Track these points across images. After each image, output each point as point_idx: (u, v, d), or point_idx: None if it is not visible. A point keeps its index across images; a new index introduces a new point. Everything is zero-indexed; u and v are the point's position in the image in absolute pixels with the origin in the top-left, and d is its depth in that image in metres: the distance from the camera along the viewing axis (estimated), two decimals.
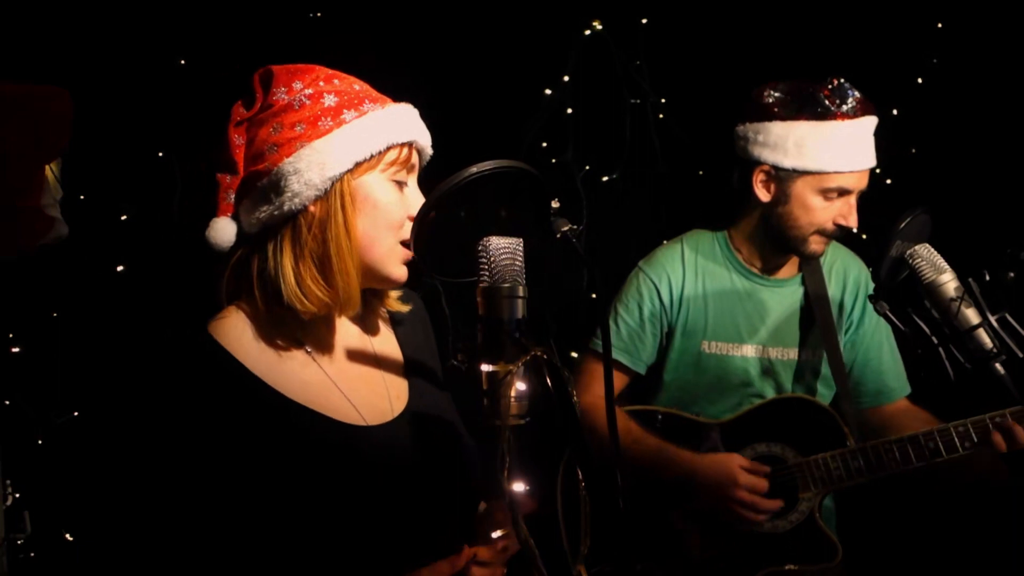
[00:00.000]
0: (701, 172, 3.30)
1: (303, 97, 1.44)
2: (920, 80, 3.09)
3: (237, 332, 1.45)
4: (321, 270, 1.43)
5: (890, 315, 1.80)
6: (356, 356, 1.56)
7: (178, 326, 1.44)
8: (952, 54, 3.08)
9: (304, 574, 1.41)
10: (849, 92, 2.40)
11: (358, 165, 1.43)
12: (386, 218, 1.46)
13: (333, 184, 1.41)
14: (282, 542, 1.40)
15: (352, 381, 1.53)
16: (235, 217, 1.47)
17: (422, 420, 1.57)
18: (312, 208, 1.42)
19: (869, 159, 2.39)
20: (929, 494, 2.75)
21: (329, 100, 1.44)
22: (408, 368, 1.63)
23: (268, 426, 1.40)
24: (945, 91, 3.04)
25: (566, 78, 3.12)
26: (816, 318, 2.51)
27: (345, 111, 1.43)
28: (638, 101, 3.23)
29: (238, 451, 1.38)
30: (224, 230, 1.46)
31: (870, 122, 2.39)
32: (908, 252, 1.71)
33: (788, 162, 2.40)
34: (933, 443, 2.28)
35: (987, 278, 1.66)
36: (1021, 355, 1.63)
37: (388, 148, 1.45)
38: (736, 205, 2.56)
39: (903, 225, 1.73)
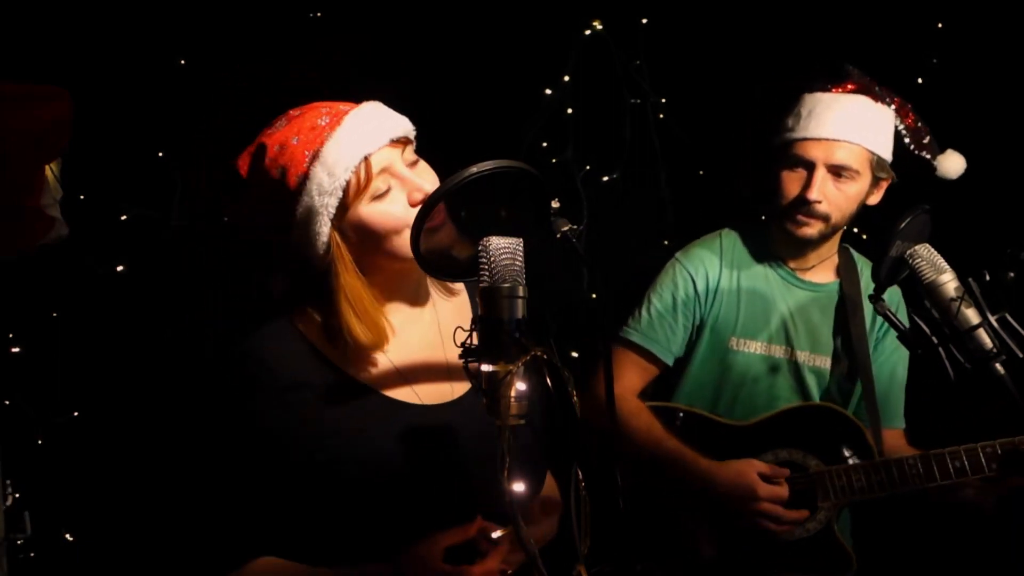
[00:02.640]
0: (701, 172, 3.30)
1: (270, 172, 1.47)
2: (920, 80, 3.09)
3: (313, 324, 1.54)
4: (354, 310, 1.51)
5: (890, 315, 1.80)
6: (420, 338, 1.60)
7: (266, 319, 1.55)
8: (952, 54, 3.07)
9: (332, 545, 1.48)
10: (844, 71, 2.38)
11: (335, 217, 1.45)
12: (388, 230, 1.48)
13: (330, 242, 1.47)
14: (316, 514, 1.47)
15: (414, 363, 1.57)
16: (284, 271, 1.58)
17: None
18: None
19: (832, 130, 2.31)
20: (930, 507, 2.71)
21: (279, 172, 1.45)
22: None
23: (336, 401, 1.50)
24: (945, 91, 3.04)
25: (566, 78, 3.12)
26: (850, 327, 2.44)
27: (295, 177, 1.44)
28: (638, 101, 3.23)
29: (315, 423, 1.48)
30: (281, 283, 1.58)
31: (849, 100, 2.35)
32: (908, 252, 1.71)
33: (771, 138, 2.44)
34: (960, 462, 2.23)
35: (987, 278, 1.66)
36: (1021, 355, 1.63)
37: (347, 183, 1.44)
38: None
39: (903, 225, 1.73)
